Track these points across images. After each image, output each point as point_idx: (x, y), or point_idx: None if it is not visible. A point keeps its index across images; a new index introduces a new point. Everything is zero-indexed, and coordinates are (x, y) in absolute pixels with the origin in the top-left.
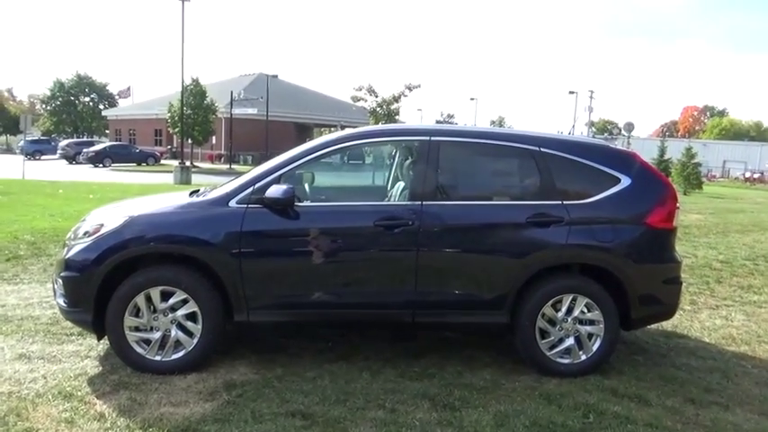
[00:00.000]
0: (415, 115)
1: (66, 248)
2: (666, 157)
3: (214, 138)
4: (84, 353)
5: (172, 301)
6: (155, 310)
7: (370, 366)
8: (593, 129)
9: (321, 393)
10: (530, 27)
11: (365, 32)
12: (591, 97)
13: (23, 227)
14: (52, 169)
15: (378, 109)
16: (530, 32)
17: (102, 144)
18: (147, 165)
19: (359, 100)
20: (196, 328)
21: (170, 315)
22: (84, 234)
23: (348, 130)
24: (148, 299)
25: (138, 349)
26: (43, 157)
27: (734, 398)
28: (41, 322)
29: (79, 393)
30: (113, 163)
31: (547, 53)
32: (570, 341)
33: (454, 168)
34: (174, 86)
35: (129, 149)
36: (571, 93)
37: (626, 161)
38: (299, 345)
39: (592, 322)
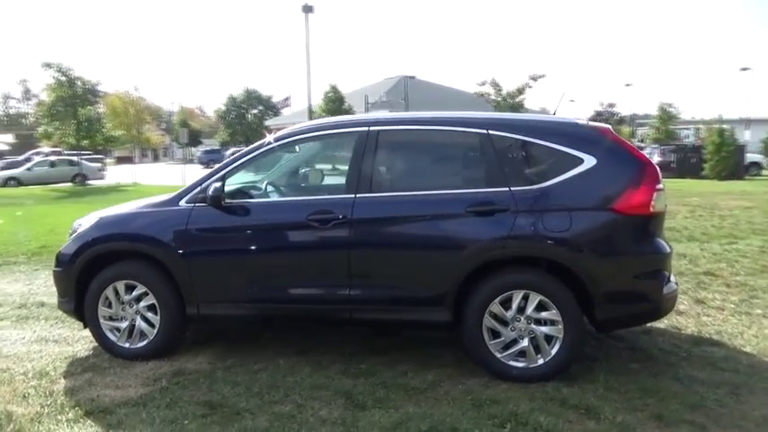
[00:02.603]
0: (569, 107)
1: None
2: None
3: None
4: (93, 338)
5: (135, 293)
6: (122, 302)
7: (321, 361)
8: None
9: (248, 385)
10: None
11: (505, 20)
12: None
13: None
14: None
15: (502, 102)
16: (692, 7)
17: None
18: None
19: (482, 95)
20: (156, 319)
21: (134, 306)
22: (70, 233)
23: (291, 127)
24: (116, 291)
25: (111, 336)
26: (216, 165)
27: (722, 418)
28: None
29: (53, 373)
30: None
31: (713, 29)
32: (524, 343)
33: (393, 158)
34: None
35: None
36: (743, 69)
37: (592, 139)
38: (276, 337)
39: (550, 322)
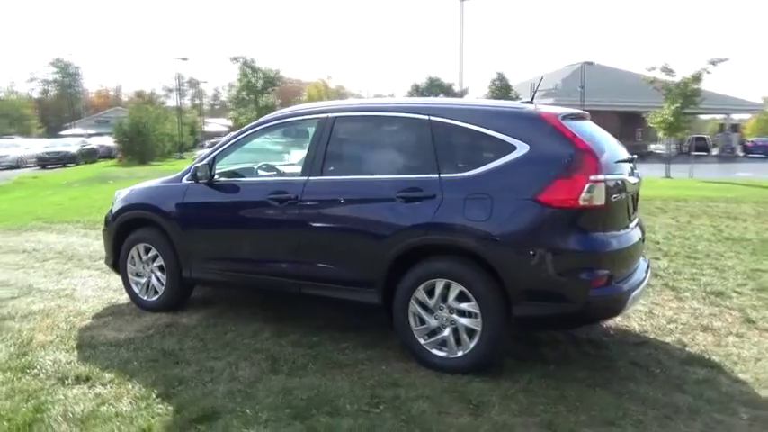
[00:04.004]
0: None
1: None
2: None
3: None
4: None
5: (150, 254)
6: (143, 261)
7: (286, 330)
8: None
9: (208, 342)
10: None
11: None
12: None
13: None
14: None
15: (674, 89)
16: None
17: None
18: None
19: (652, 81)
20: (163, 278)
21: (150, 266)
22: (113, 202)
23: (271, 114)
24: (139, 252)
25: (135, 289)
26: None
27: None
28: None
29: (88, 314)
30: None
31: None
32: (446, 332)
33: (344, 143)
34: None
35: None
36: None
37: (529, 125)
38: (272, 307)
39: (471, 314)
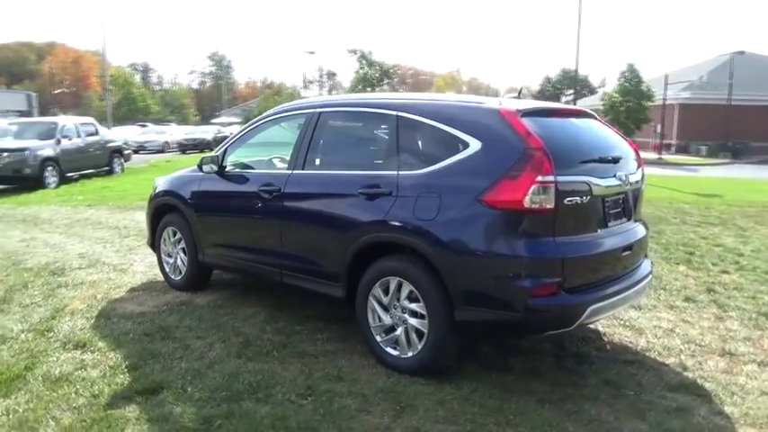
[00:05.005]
0: None
1: None
2: None
3: (658, 126)
4: None
5: (176, 237)
6: (171, 243)
7: (277, 317)
8: None
9: (204, 321)
10: None
11: None
12: None
13: None
14: None
15: None
16: None
17: None
18: None
19: None
20: (186, 259)
21: (177, 247)
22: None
23: (274, 108)
24: (168, 235)
25: (167, 268)
26: None
27: None
28: None
29: (126, 287)
30: None
31: None
32: (399, 331)
33: (325, 138)
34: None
35: None
36: None
37: (485, 122)
38: (279, 294)
39: (420, 315)
